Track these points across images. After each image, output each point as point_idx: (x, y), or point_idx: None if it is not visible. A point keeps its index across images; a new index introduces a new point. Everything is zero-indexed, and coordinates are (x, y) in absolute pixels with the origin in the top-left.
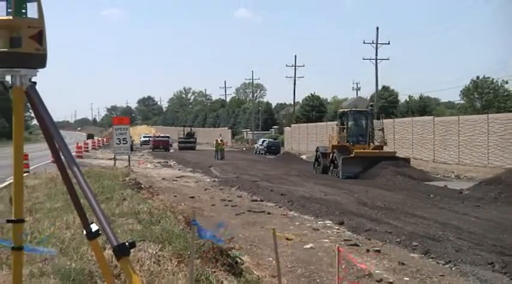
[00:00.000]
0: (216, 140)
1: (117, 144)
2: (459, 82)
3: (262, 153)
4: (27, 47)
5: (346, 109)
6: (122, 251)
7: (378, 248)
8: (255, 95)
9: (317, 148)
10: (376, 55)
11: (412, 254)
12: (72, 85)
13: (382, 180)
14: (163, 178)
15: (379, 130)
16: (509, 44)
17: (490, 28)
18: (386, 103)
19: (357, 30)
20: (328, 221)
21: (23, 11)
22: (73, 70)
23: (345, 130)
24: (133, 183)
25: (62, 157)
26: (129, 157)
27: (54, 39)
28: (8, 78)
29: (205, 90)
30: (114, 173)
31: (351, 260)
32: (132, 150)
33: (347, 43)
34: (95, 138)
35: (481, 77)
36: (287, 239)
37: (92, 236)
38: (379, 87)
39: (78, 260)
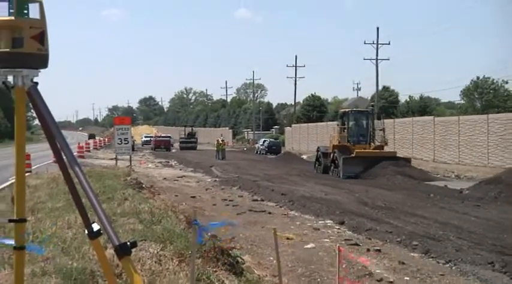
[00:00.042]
0: (217, 140)
1: (118, 144)
2: (459, 83)
3: (263, 153)
4: (29, 47)
5: (347, 109)
6: (123, 250)
7: (378, 248)
8: (256, 95)
9: (318, 148)
10: (377, 55)
11: (412, 254)
12: (73, 85)
13: (382, 180)
14: (165, 178)
15: (380, 130)
16: (509, 44)
17: (490, 28)
18: (387, 104)
19: (357, 31)
20: (328, 221)
21: (25, 11)
22: (75, 70)
23: (345, 130)
24: (134, 182)
25: (64, 157)
26: (130, 157)
27: (55, 39)
28: (10, 78)
29: (206, 90)
30: (116, 173)
31: (351, 259)
32: (133, 150)
33: (347, 43)
34: (96, 138)
35: (481, 77)
36: (288, 238)
37: (93, 235)
38: (380, 87)
39: (80, 259)
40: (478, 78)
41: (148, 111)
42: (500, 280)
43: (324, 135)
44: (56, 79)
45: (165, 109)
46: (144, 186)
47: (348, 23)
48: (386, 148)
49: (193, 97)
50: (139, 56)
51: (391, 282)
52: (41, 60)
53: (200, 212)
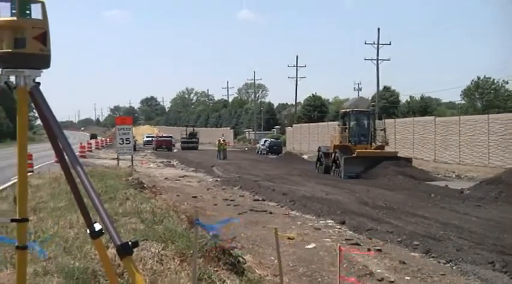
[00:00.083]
0: (219, 140)
1: (120, 144)
2: (460, 83)
3: (264, 153)
4: (31, 48)
5: (348, 110)
6: (125, 250)
7: (379, 248)
8: (257, 95)
9: (319, 148)
10: (378, 55)
11: (413, 254)
12: (75, 85)
13: (383, 180)
14: (166, 178)
15: (381, 130)
16: (510, 44)
17: (490, 28)
18: (388, 104)
19: (358, 31)
20: (329, 221)
21: (27, 12)
22: (77, 70)
23: (347, 130)
24: (136, 182)
25: (66, 157)
26: (132, 157)
27: (57, 40)
28: (13, 78)
29: (208, 90)
30: (117, 173)
31: (352, 259)
32: (135, 149)
33: (348, 43)
34: (98, 138)
35: (481, 77)
36: (289, 238)
37: (95, 235)
38: (381, 88)
39: (82, 259)
40: (478, 78)
41: (150, 111)
42: (501, 280)
43: (325, 135)
44: (58, 80)
45: (167, 110)
46: (145, 185)
47: (348, 23)
48: (387, 148)
49: (195, 98)
50: (141, 56)
51: (392, 282)
52: (43, 61)
53: (201, 212)
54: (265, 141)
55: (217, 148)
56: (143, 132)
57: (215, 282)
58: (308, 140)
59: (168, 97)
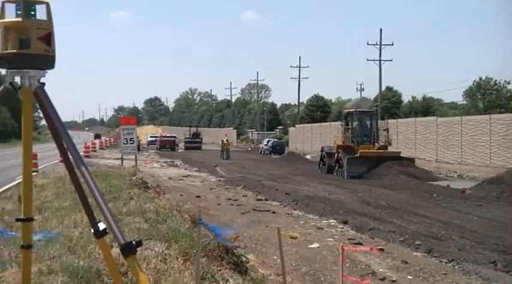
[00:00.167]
0: (222, 140)
1: (124, 144)
2: (462, 83)
3: (267, 153)
4: (36, 49)
5: (351, 110)
6: (129, 249)
7: (381, 247)
8: (260, 96)
9: (322, 148)
10: (380, 56)
11: (415, 253)
12: (80, 86)
13: (386, 180)
14: (170, 178)
15: (384, 130)
16: (510, 44)
17: (490, 28)
18: (390, 104)
19: (360, 32)
20: (332, 220)
21: (32, 13)
22: (81, 71)
23: (349, 131)
24: (140, 182)
25: (70, 157)
26: (136, 156)
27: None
28: (17, 79)
29: (211, 90)
30: (121, 172)
31: (354, 259)
32: (139, 149)
33: (351, 44)
34: (102, 138)
35: (483, 78)
36: (292, 238)
37: (99, 234)
38: (383, 88)
39: (86, 258)
40: (480, 78)
41: (154, 111)
42: (503, 279)
43: (328, 135)
44: (63, 80)
45: (170, 110)
46: (149, 185)
47: (351, 24)
48: (390, 148)
49: (198, 98)
50: (145, 57)
51: (394, 281)
52: (47, 61)
53: (205, 211)
54: (268, 141)
55: (220, 148)
56: (147, 132)
57: (218, 281)
58: (311, 140)
59: (171, 97)
